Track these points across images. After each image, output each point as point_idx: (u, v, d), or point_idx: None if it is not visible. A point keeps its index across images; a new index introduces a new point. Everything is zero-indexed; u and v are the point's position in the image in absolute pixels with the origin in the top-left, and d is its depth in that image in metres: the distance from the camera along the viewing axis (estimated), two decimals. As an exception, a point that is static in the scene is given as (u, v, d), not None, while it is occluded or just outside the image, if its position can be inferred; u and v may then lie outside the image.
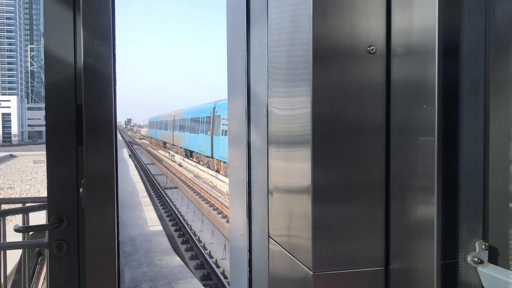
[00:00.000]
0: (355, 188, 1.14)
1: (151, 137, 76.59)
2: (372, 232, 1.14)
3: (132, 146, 65.32)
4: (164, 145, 55.38)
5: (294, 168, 1.26)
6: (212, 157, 28.00)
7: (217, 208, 18.80)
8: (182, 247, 13.99)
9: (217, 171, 27.00)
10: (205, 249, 13.77)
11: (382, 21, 1.13)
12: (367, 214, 1.14)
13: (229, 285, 9.09)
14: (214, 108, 27.51)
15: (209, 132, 28.29)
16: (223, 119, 24.97)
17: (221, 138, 25.25)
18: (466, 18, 1.01)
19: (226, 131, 23.65)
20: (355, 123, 1.13)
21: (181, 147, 40.31)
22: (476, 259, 1.01)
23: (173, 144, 45.57)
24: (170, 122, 46.50)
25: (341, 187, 1.13)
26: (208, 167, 29.04)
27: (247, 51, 1.68)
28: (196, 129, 32.71)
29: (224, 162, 25.12)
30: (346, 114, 1.13)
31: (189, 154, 37.65)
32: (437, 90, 0.96)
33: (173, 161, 40.28)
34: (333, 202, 1.13)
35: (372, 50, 1.12)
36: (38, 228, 2.02)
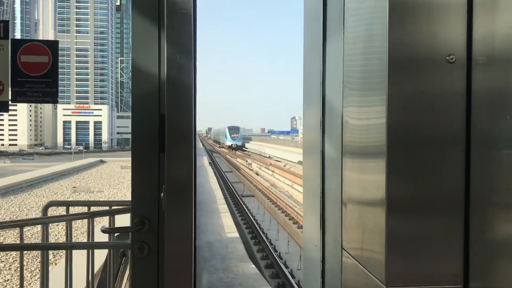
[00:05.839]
0: (432, 202, 1.09)
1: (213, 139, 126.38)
2: (450, 248, 1.09)
3: (212, 154, 67.36)
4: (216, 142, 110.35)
5: (368, 179, 1.24)
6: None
7: (292, 217, 18.75)
8: (258, 255, 14.10)
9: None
10: (280, 258, 13.78)
11: (463, 29, 1.08)
12: (444, 229, 1.09)
13: (303, 295, 9.00)
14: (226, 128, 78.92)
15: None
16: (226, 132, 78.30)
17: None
18: None
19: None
20: (433, 135, 1.09)
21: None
22: None
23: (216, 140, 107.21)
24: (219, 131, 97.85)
25: (417, 200, 1.09)
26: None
27: (323, 61, 1.68)
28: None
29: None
30: (423, 125, 1.09)
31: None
32: None
33: (250, 169, 40.87)
34: (409, 215, 1.09)
35: (452, 59, 1.08)
36: (122, 230, 2.15)
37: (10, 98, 1.97)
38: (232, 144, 77.80)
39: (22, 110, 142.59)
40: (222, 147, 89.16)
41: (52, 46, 2.00)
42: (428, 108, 1.09)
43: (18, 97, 1.95)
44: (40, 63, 1.98)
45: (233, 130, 79.18)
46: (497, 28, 1.00)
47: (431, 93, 1.09)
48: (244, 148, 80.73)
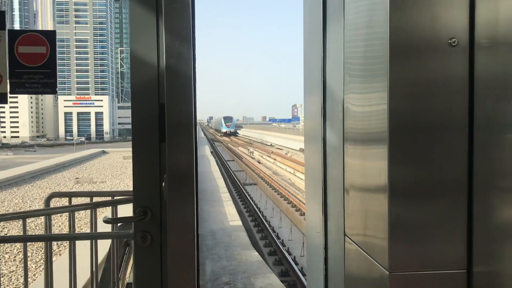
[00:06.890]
0: (435, 187, 1.09)
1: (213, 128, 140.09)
2: (453, 233, 1.09)
3: (214, 143, 67.47)
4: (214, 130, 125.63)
5: (370, 166, 1.23)
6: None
7: (295, 205, 18.80)
8: (261, 243, 14.17)
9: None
10: (283, 245, 13.84)
11: (465, 12, 1.07)
12: (447, 215, 1.09)
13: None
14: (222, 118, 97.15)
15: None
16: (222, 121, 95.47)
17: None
18: None
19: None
20: (435, 120, 1.08)
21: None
22: None
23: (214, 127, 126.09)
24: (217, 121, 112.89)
25: (419, 186, 1.09)
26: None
27: (323, 47, 1.66)
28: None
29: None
30: (425, 110, 1.08)
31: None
32: None
33: (252, 157, 40.95)
34: (411, 201, 1.09)
35: (454, 42, 1.07)
36: (124, 220, 2.15)
37: (8, 89, 1.96)
38: (226, 131, 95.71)
39: (23, 101, 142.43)
40: (223, 136, 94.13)
41: (49, 36, 1.99)
42: (430, 93, 1.08)
43: (17, 89, 1.94)
44: (38, 53, 1.97)
45: (227, 119, 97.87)
46: (500, 10, 0.98)
47: (433, 78, 1.08)
48: (236, 134, 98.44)
